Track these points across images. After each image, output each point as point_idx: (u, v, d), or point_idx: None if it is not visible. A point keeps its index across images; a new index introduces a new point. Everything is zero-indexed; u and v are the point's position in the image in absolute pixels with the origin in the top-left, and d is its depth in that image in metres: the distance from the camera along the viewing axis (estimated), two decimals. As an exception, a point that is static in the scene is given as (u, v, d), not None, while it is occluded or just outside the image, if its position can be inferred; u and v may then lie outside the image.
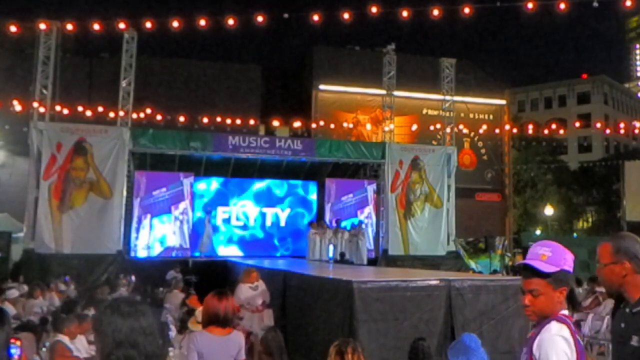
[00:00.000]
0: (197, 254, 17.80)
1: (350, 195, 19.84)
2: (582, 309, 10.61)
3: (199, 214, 18.89)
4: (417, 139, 25.44)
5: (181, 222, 17.77)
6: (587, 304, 11.13)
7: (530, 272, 2.25)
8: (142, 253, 17.40)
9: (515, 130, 31.84)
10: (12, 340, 3.04)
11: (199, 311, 5.77)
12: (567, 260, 2.25)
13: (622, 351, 2.55)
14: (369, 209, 19.98)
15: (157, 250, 17.51)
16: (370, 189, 20.09)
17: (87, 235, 15.97)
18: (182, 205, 17.82)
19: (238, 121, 22.82)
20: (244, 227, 19.55)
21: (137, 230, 17.38)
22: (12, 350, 3.02)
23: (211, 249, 18.46)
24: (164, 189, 17.64)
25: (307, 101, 28.09)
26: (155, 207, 17.57)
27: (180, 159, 18.16)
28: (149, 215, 17.50)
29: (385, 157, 19.28)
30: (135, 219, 17.35)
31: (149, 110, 21.07)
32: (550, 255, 2.23)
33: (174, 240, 17.65)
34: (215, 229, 19.06)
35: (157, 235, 17.58)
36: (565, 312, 2.29)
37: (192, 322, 5.94)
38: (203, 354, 4.17)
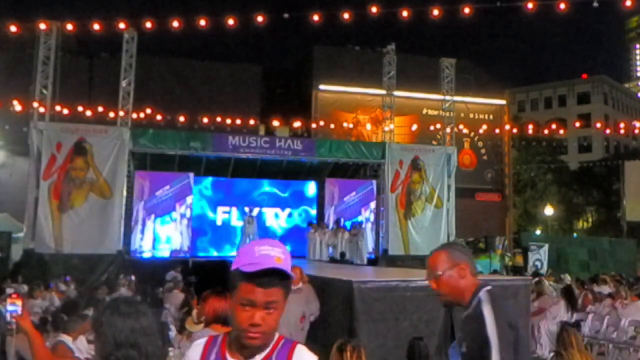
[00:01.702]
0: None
1: (353, 193, 19.82)
2: (581, 310, 10.61)
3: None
4: (417, 139, 25.44)
5: (188, 219, 17.74)
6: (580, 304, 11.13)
7: (270, 278, 1.66)
8: (148, 255, 17.37)
9: (515, 130, 31.86)
10: (13, 297, 3.06)
11: (196, 312, 5.75)
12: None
13: None
14: (374, 204, 19.96)
15: (163, 252, 17.46)
16: (375, 182, 20.08)
17: (87, 235, 15.97)
18: (189, 200, 17.80)
19: (238, 121, 22.83)
20: (244, 227, 19.54)
21: (142, 231, 17.36)
22: (11, 308, 3.03)
23: None
24: (167, 187, 17.61)
25: (307, 101, 28.10)
26: (159, 207, 17.53)
27: (180, 159, 18.15)
28: (152, 216, 17.48)
29: (385, 157, 19.27)
30: (140, 222, 17.31)
31: (149, 110, 21.08)
32: (284, 258, 1.70)
33: (179, 241, 17.60)
34: (262, 228, 18.65)
35: (163, 237, 17.55)
36: None
37: (189, 322, 5.92)
38: None
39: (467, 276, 2.47)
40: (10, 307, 3.08)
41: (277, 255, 1.69)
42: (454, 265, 2.47)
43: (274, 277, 1.67)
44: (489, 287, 2.45)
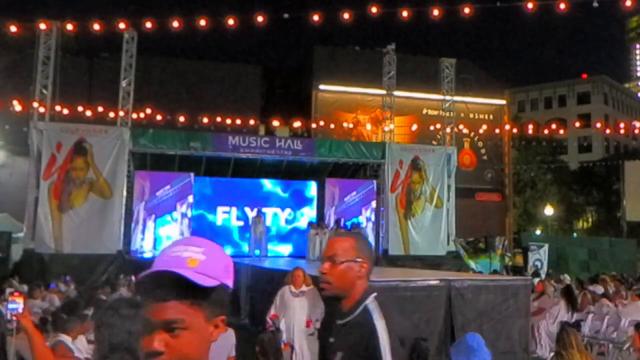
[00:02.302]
0: (257, 252, 17.22)
1: (354, 193, 19.81)
2: (582, 309, 10.61)
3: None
4: (417, 139, 25.45)
5: (189, 219, 17.72)
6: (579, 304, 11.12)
7: (168, 287, 1.21)
8: (149, 255, 17.34)
9: (515, 130, 31.87)
10: (15, 295, 3.05)
11: None
12: (228, 269, 1.31)
13: None
14: (375, 203, 19.95)
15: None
16: (375, 182, 20.07)
17: (87, 235, 15.97)
18: (190, 199, 17.78)
19: (238, 121, 22.83)
20: (244, 227, 19.53)
21: (143, 232, 17.35)
22: (12, 306, 3.03)
23: (265, 250, 17.91)
24: (167, 187, 17.59)
25: (307, 101, 28.12)
26: (160, 208, 17.51)
27: (180, 159, 18.15)
28: (153, 216, 17.47)
29: (385, 157, 19.27)
30: (140, 222, 17.29)
31: (149, 110, 21.08)
32: (203, 260, 1.25)
33: None
34: (268, 229, 18.57)
35: (164, 237, 17.51)
36: None
37: None
38: None
39: (364, 277, 2.22)
40: (11, 305, 3.07)
41: (190, 257, 1.25)
42: (358, 259, 2.21)
43: (174, 285, 1.21)
44: (375, 294, 2.21)
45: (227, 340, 4.44)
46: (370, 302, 2.16)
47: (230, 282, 1.30)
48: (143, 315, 1.25)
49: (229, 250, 18.91)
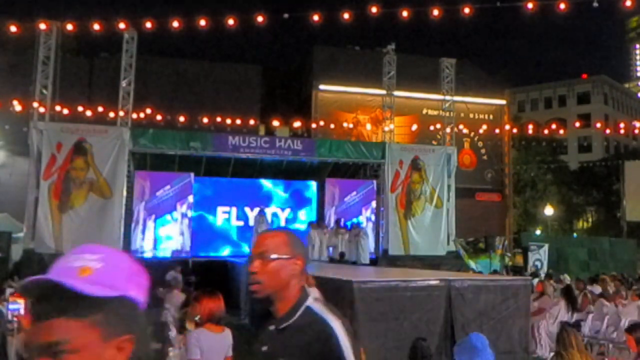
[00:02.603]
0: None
1: (354, 193, 19.82)
2: (582, 309, 10.61)
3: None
4: (417, 139, 25.44)
5: (189, 219, 17.73)
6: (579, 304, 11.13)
7: (53, 302, 1.01)
8: (149, 255, 17.34)
9: (515, 130, 31.88)
10: (15, 296, 3.07)
11: (189, 311, 5.80)
12: (133, 278, 1.11)
13: None
14: (375, 203, 19.96)
15: (164, 252, 17.38)
16: (375, 182, 20.09)
17: (87, 235, 15.95)
18: (190, 199, 17.79)
19: (238, 121, 22.84)
20: (244, 227, 19.55)
21: (143, 232, 17.35)
22: (12, 306, 3.05)
23: None
24: (167, 187, 17.60)
25: (307, 101, 28.12)
26: (160, 208, 17.50)
27: (180, 159, 18.16)
28: (153, 216, 17.47)
29: (385, 157, 19.28)
30: (141, 222, 17.29)
31: (149, 110, 21.09)
32: (99, 268, 1.08)
33: (181, 241, 17.55)
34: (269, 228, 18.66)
35: (164, 237, 17.52)
36: None
37: (189, 322, 5.94)
38: (203, 351, 4.31)
39: (298, 276, 2.00)
40: (12, 306, 3.09)
41: (83, 265, 1.07)
42: (292, 256, 1.99)
43: (58, 299, 0.99)
44: (316, 296, 2.03)
45: (224, 340, 4.47)
46: (313, 304, 1.97)
47: (136, 294, 1.08)
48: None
49: (227, 251, 18.99)
